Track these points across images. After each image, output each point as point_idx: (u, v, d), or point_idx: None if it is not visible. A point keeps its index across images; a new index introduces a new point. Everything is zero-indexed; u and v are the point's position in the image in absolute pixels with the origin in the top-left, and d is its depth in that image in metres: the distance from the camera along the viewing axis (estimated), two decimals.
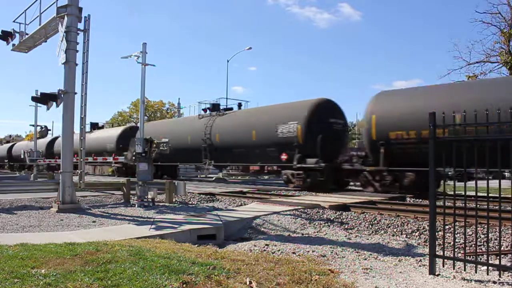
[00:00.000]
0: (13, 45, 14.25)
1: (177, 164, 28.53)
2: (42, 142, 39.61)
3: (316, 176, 17.82)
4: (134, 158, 12.94)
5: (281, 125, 19.68)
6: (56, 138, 40.19)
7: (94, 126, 37.45)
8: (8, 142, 63.74)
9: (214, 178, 30.30)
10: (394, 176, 15.53)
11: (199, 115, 26.63)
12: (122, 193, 14.27)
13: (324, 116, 18.99)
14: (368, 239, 7.76)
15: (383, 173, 15.75)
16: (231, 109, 25.97)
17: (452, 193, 6.21)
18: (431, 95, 15.20)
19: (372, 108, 16.46)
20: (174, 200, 13.60)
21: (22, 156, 31.80)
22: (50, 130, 46.02)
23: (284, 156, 19.45)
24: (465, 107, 7.01)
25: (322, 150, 18.06)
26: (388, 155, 15.51)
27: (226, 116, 24.47)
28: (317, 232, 8.48)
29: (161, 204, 12.95)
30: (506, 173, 19.73)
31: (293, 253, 6.44)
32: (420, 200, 13.79)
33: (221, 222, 8.51)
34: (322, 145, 18.11)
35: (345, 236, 8.04)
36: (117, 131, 33.31)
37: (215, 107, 25.89)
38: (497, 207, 6.28)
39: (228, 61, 43.08)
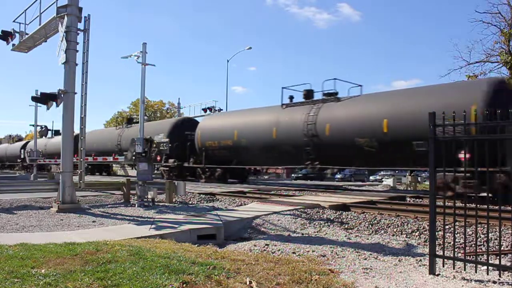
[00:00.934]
0: (13, 45, 14.25)
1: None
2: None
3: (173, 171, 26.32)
4: (134, 158, 12.94)
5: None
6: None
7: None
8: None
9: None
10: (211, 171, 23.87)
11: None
12: (122, 193, 14.27)
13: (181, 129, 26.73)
14: (368, 239, 7.76)
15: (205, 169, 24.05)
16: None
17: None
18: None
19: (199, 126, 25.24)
20: (174, 200, 13.60)
21: (22, 156, 31.65)
22: (50, 130, 45.90)
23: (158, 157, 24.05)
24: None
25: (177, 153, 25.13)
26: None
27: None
28: (317, 232, 8.48)
29: (161, 204, 12.95)
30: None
31: (293, 253, 6.44)
32: (420, 200, 13.80)
33: (221, 222, 8.51)
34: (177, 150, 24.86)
35: (345, 236, 8.04)
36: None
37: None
38: (497, 207, 6.27)
39: (228, 61, 43.02)
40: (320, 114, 18.57)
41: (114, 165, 36.30)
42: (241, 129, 22.27)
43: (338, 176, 36.40)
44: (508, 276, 4.80)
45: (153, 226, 8.15)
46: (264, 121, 21.14)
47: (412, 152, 14.75)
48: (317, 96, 20.23)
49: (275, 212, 9.86)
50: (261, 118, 21.74)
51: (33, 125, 31.63)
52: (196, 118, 29.88)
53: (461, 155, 16.54)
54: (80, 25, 11.83)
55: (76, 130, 12.79)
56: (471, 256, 5.71)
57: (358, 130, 16.75)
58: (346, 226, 8.99)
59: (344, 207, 11.22)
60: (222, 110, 30.76)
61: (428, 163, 5.06)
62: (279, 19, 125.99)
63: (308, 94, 20.59)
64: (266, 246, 6.90)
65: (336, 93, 19.19)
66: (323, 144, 18.16)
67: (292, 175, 39.47)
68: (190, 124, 27.70)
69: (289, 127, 19.65)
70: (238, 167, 23.61)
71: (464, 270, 5.07)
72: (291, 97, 21.38)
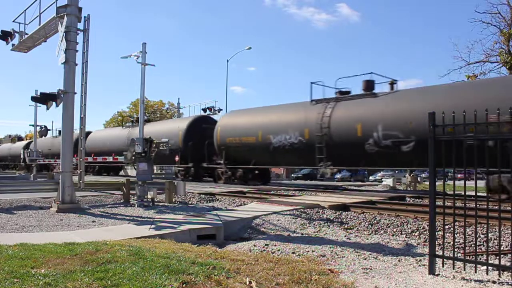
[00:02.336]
0: (13, 45, 14.25)
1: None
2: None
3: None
4: (133, 158, 12.94)
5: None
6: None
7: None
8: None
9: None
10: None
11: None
12: (121, 193, 14.27)
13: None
14: (367, 239, 7.76)
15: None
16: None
17: (452, 193, 6.20)
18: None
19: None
20: (174, 200, 13.60)
21: (22, 156, 31.59)
22: (50, 130, 45.87)
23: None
24: None
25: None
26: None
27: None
28: (317, 232, 8.48)
29: (161, 204, 12.95)
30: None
31: (293, 253, 6.44)
32: (420, 200, 13.81)
33: (221, 222, 8.51)
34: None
35: (345, 236, 8.04)
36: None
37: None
38: (496, 207, 6.28)
39: (228, 61, 43.01)
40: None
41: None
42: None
43: (338, 176, 36.39)
44: (507, 276, 4.80)
45: (152, 226, 8.15)
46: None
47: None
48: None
49: (274, 212, 9.86)
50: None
51: (32, 125, 31.65)
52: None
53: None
54: (80, 25, 11.84)
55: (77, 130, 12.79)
56: (471, 256, 5.71)
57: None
58: (345, 226, 8.99)
59: (344, 207, 11.22)
60: (222, 110, 30.71)
61: (429, 163, 5.06)
62: (278, 19, 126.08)
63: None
64: (266, 246, 6.90)
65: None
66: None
67: (292, 175, 39.48)
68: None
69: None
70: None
71: (464, 270, 5.07)
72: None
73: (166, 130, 27.65)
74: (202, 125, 26.48)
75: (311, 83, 19.88)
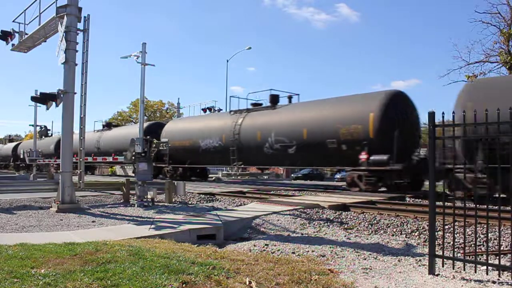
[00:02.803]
0: (13, 45, 14.25)
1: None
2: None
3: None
4: (133, 158, 12.94)
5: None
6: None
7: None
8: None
9: (214, 178, 30.32)
10: None
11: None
12: (121, 193, 14.27)
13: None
14: (367, 239, 7.76)
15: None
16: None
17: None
18: None
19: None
20: (173, 200, 13.60)
21: (21, 156, 31.66)
22: (49, 130, 45.89)
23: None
24: None
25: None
26: None
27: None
28: (317, 232, 8.48)
29: (160, 204, 12.95)
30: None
31: (293, 253, 6.45)
32: (420, 200, 13.81)
33: (220, 222, 8.51)
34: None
35: (345, 236, 8.04)
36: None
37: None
38: (496, 207, 6.28)
39: (227, 61, 43.09)
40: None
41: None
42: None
43: (338, 176, 36.39)
44: (507, 276, 4.81)
45: (152, 226, 8.15)
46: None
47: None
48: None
49: (274, 212, 9.86)
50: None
51: (32, 125, 31.65)
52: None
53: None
54: (80, 25, 11.85)
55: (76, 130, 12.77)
56: (471, 256, 5.72)
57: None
58: (345, 226, 8.99)
59: (344, 207, 11.22)
60: (221, 110, 30.74)
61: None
62: (278, 19, 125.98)
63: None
64: (265, 246, 6.90)
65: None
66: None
67: (292, 175, 39.50)
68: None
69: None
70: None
71: (464, 270, 5.07)
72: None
73: (125, 134, 29.33)
74: (158, 131, 27.56)
75: (230, 96, 26.12)
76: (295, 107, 21.13)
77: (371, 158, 16.24)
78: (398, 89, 19.54)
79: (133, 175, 14.23)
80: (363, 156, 16.40)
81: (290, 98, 22.10)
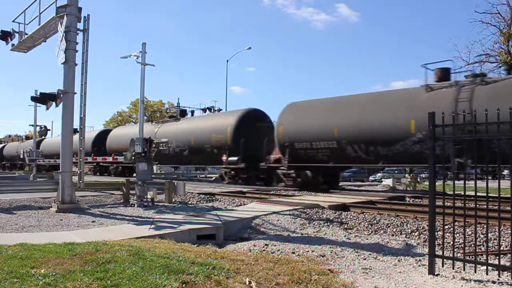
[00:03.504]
0: (13, 45, 14.25)
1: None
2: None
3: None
4: (133, 158, 12.95)
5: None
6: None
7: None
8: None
9: (213, 178, 30.31)
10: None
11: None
12: (121, 193, 14.27)
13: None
14: (367, 239, 7.77)
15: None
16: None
17: (451, 193, 6.20)
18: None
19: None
20: (173, 200, 13.60)
21: (21, 156, 31.71)
22: (49, 130, 45.87)
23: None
24: None
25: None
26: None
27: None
28: (317, 232, 8.48)
29: (160, 204, 12.95)
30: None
31: (293, 253, 6.45)
32: (420, 200, 13.82)
33: (220, 222, 8.51)
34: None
35: (345, 236, 8.04)
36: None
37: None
38: (496, 207, 6.28)
39: (227, 61, 43.09)
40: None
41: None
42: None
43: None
44: (507, 276, 4.81)
45: (152, 226, 8.15)
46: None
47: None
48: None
49: (274, 212, 9.86)
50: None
51: (32, 125, 31.62)
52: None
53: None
54: (80, 25, 11.84)
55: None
56: (471, 256, 5.72)
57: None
58: (345, 226, 9.00)
59: (344, 207, 11.22)
60: (222, 110, 30.66)
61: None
62: (277, 20, 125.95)
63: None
64: (265, 246, 6.90)
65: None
66: None
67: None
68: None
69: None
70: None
71: (464, 270, 5.07)
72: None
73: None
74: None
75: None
76: (190, 119, 28.71)
77: (229, 159, 22.92)
78: (253, 107, 24.90)
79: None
80: (223, 157, 23.19)
81: (192, 112, 30.28)
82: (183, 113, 29.90)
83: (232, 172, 23.08)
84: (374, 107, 16.44)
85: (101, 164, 32.84)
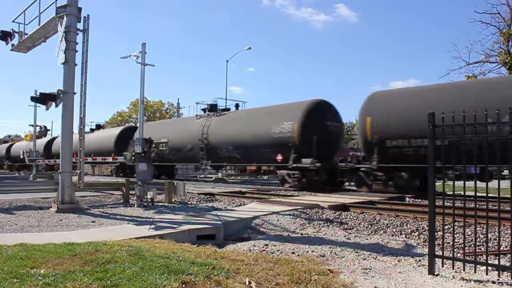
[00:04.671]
0: (12, 45, 14.24)
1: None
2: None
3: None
4: (133, 158, 12.94)
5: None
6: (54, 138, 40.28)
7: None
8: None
9: (213, 178, 30.29)
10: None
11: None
12: (121, 193, 14.27)
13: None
14: (367, 239, 7.76)
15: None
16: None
17: (451, 193, 6.21)
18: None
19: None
20: (173, 200, 13.60)
21: (21, 156, 31.67)
22: (49, 130, 45.90)
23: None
24: None
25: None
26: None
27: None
28: (317, 232, 8.48)
29: (160, 204, 12.95)
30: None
31: (293, 253, 6.44)
32: (420, 200, 13.81)
33: (220, 222, 8.51)
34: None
35: (345, 236, 8.04)
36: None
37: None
38: (496, 207, 6.28)
39: (227, 61, 43.11)
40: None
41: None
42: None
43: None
44: (507, 276, 4.81)
45: (152, 226, 8.15)
46: None
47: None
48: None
49: (274, 212, 9.86)
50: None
51: (32, 125, 31.63)
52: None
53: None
54: (80, 25, 11.82)
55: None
56: (471, 256, 5.71)
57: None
58: (345, 226, 8.99)
59: (344, 207, 11.22)
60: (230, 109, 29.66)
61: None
62: (276, 20, 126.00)
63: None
64: (265, 246, 6.90)
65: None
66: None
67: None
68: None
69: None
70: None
71: (464, 270, 5.07)
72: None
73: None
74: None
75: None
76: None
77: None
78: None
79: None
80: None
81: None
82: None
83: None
84: None
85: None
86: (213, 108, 26.09)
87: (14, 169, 45.98)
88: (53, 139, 40.90)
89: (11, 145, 50.61)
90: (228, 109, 26.08)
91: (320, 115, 19.41)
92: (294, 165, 18.82)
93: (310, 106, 19.55)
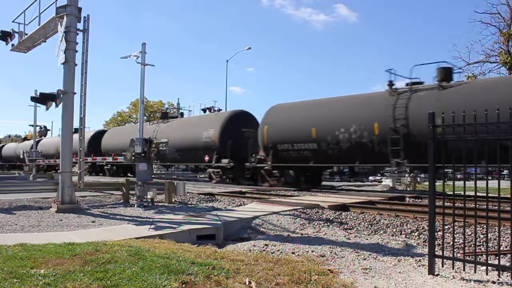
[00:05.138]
0: (12, 45, 14.22)
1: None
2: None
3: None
4: (133, 158, 12.94)
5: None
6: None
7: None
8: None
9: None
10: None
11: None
12: (121, 193, 14.26)
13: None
14: (367, 239, 7.77)
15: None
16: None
17: (451, 193, 6.21)
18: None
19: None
20: (173, 200, 13.60)
21: (21, 156, 31.70)
22: (49, 130, 45.84)
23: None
24: None
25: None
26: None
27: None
28: (317, 232, 8.48)
29: (160, 204, 12.95)
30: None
31: (293, 253, 6.44)
32: (420, 200, 13.82)
33: (220, 222, 8.50)
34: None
35: (345, 236, 8.04)
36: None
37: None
38: (496, 207, 6.28)
39: (227, 61, 43.08)
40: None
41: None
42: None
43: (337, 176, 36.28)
44: (507, 276, 4.81)
45: (152, 226, 8.15)
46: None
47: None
48: None
49: (274, 212, 9.86)
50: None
51: (32, 125, 31.61)
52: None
53: None
54: (80, 25, 11.82)
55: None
56: (470, 256, 5.71)
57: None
58: (345, 226, 8.99)
59: (344, 207, 11.21)
60: (221, 110, 30.61)
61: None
62: (276, 20, 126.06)
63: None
64: (265, 246, 6.90)
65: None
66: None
67: None
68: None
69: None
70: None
71: (464, 270, 5.07)
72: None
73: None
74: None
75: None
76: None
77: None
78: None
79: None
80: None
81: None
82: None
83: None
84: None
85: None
86: (163, 115, 31.44)
87: (5, 168, 49.50)
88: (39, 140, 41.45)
89: (3, 146, 54.13)
90: (176, 117, 30.69)
91: (237, 123, 24.09)
92: (216, 164, 23.62)
93: (229, 115, 24.77)
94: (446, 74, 16.39)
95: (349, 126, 17.61)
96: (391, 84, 17.39)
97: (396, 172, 16.89)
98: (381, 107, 16.88)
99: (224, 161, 23.15)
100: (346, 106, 18.48)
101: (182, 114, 31.84)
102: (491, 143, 4.74)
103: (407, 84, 17.26)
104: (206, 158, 24.29)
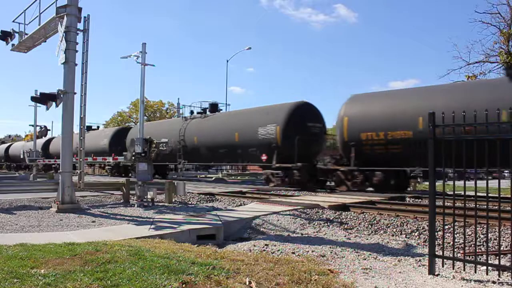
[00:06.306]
0: (13, 45, 14.22)
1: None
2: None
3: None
4: (133, 158, 12.94)
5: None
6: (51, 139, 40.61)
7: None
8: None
9: (213, 178, 30.29)
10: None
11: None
12: (121, 193, 14.26)
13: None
14: (367, 239, 7.77)
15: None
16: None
17: (451, 193, 6.21)
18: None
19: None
20: (173, 200, 13.59)
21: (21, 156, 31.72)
22: (49, 130, 45.91)
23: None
24: None
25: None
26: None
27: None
28: (317, 232, 8.48)
29: (160, 204, 12.95)
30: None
31: (293, 253, 6.44)
32: (420, 200, 13.81)
33: (220, 222, 8.50)
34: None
35: (345, 236, 8.04)
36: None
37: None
38: (496, 207, 6.28)
39: (227, 61, 43.16)
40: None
41: None
42: None
43: None
44: (507, 276, 4.81)
45: (152, 226, 8.15)
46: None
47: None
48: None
49: (274, 212, 9.86)
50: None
51: (32, 125, 31.64)
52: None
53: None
54: (80, 25, 11.81)
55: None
56: (471, 256, 5.71)
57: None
58: (345, 226, 8.99)
59: (344, 207, 11.21)
60: (222, 110, 30.44)
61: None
62: (276, 20, 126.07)
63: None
64: (265, 246, 6.90)
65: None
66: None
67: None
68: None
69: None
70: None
71: (464, 270, 5.07)
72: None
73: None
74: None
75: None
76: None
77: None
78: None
79: None
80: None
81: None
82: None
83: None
84: None
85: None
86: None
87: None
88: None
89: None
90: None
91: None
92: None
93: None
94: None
95: None
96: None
97: None
98: None
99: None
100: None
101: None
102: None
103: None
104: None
